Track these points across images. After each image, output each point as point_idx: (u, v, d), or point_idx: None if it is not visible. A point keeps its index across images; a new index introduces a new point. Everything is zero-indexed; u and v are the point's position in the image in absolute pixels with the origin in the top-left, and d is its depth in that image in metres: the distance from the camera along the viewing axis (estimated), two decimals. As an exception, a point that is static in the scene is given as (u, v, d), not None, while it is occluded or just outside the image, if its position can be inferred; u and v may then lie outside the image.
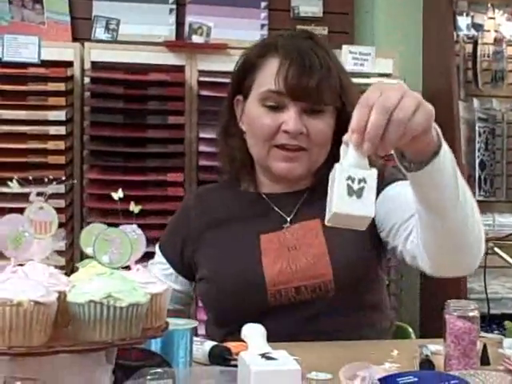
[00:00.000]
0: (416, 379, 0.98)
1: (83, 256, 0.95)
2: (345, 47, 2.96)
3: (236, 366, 0.99)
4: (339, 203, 0.99)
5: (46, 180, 0.92)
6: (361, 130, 1.00)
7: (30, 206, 0.84)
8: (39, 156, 2.70)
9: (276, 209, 1.47)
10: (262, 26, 3.22)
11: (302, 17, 3.24)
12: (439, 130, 1.10)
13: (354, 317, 1.40)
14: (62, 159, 2.70)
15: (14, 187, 0.79)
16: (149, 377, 0.84)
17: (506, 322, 2.27)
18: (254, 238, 1.43)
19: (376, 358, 1.18)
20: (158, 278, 1.30)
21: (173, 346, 1.08)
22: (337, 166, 1.02)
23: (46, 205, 0.86)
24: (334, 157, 1.36)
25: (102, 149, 2.80)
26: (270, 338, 1.04)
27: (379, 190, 1.39)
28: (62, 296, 0.81)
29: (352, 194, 1.00)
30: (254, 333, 1.02)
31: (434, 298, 3.00)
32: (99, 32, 3.04)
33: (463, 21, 3.15)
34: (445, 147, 1.11)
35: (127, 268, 0.90)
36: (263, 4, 3.23)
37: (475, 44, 3.15)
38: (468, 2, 3.16)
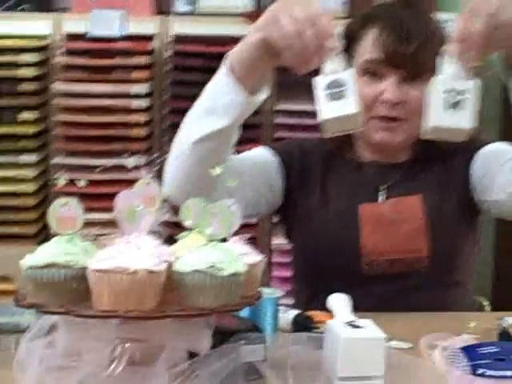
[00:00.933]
0: (497, 349, 1.02)
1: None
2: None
3: (319, 333, 1.06)
4: (437, 116, 1.03)
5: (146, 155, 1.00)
6: (464, 39, 1.05)
7: (139, 181, 0.92)
8: (122, 129, 2.78)
9: (375, 179, 1.49)
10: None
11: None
12: None
13: (441, 293, 1.45)
14: (142, 132, 2.80)
15: (130, 162, 0.87)
16: (243, 341, 0.91)
17: None
18: (353, 207, 1.46)
19: (454, 329, 1.21)
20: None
21: (261, 313, 1.15)
22: (434, 78, 1.04)
23: (152, 181, 0.94)
24: None
25: (181, 122, 2.88)
26: (358, 308, 1.09)
27: (473, 153, 1.47)
28: (168, 265, 0.89)
29: (450, 106, 1.03)
30: (340, 302, 1.08)
31: (508, 270, 2.99)
32: (180, 5, 3.09)
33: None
34: None
35: (224, 240, 0.97)
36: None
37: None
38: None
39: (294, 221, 1.53)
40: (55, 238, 0.88)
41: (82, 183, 0.93)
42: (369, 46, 1.44)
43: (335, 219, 1.47)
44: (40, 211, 2.83)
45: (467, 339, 1.19)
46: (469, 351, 1.03)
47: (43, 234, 2.87)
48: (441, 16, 3.02)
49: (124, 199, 0.84)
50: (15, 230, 2.74)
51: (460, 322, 1.28)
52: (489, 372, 0.98)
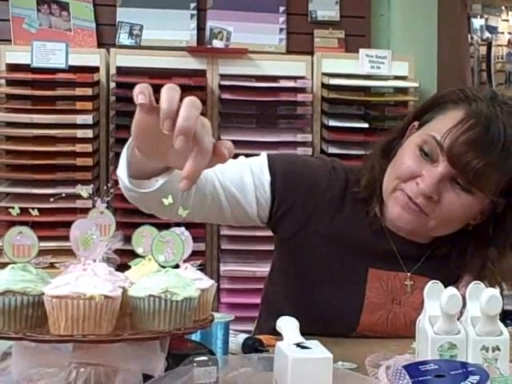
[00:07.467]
0: (437, 366, 1.07)
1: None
2: (361, 51, 3.06)
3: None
4: None
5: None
6: None
7: (93, 210, 0.95)
8: (68, 158, 2.81)
9: (396, 252, 1.38)
10: (281, 30, 3.31)
11: (320, 21, 3.34)
12: None
13: None
14: (89, 161, 2.82)
15: (84, 193, 0.90)
16: (195, 364, 0.93)
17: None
18: (363, 270, 1.38)
19: (397, 350, 1.26)
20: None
21: (211, 337, 1.18)
22: None
23: (106, 210, 0.96)
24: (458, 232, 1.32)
25: (126, 151, 2.91)
26: None
27: None
28: (123, 291, 0.91)
29: None
30: (288, 325, 1.11)
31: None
32: (123, 38, 3.14)
33: (477, 23, 3.24)
34: None
35: (176, 267, 1.00)
36: (281, 9, 3.32)
37: (489, 46, 3.24)
38: (482, 4, 3.25)
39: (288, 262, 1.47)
40: (10, 266, 0.89)
41: (34, 212, 0.94)
42: (444, 126, 1.25)
43: (340, 282, 1.40)
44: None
45: (409, 358, 1.23)
46: (411, 369, 1.07)
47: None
48: (374, 52, 3.15)
49: (79, 227, 0.87)
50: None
51: (403, 344, 1.32)
52: (430, 387, 1.03)
